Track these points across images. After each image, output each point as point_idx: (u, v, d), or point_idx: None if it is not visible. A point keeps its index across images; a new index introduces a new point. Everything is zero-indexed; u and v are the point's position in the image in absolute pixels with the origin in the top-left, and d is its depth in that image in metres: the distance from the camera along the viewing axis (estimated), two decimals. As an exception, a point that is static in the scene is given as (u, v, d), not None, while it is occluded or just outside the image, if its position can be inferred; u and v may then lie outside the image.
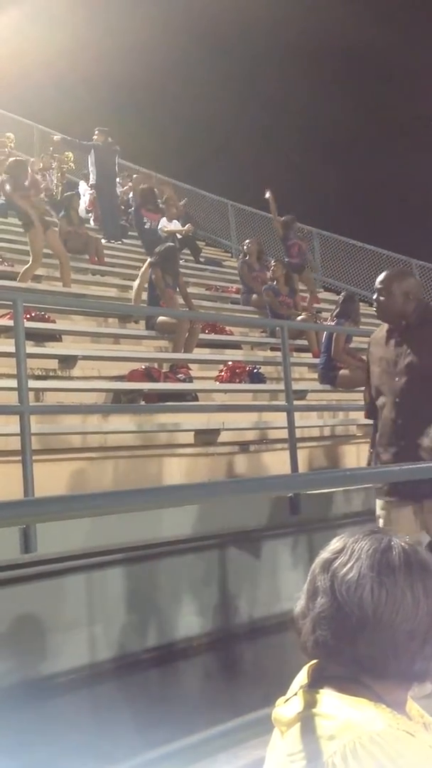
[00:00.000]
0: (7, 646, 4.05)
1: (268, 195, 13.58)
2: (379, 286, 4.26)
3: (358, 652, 1.41)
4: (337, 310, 9.32)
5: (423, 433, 3.93)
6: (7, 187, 10.24)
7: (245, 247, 12.66)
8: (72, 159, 17.34)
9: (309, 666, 1.51)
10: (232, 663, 4.85)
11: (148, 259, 10.18)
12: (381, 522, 4.26)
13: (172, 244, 10.82)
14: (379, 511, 4.27)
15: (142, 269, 10.10)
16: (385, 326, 4.30)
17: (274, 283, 10.96)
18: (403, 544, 1.46)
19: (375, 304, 4.31)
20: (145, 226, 12.78)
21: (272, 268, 11.27)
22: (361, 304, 14.03)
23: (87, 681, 4.21)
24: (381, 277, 4.31)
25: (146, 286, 9.44)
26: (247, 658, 5.00)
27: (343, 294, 10.12)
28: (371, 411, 4.51)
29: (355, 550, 1.45)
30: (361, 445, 8.04)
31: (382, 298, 4.22)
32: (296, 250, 13.22)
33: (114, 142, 14.36)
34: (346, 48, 22.57)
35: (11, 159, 11.22)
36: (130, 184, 16.84)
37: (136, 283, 9.97)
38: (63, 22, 21.80)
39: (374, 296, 4.32)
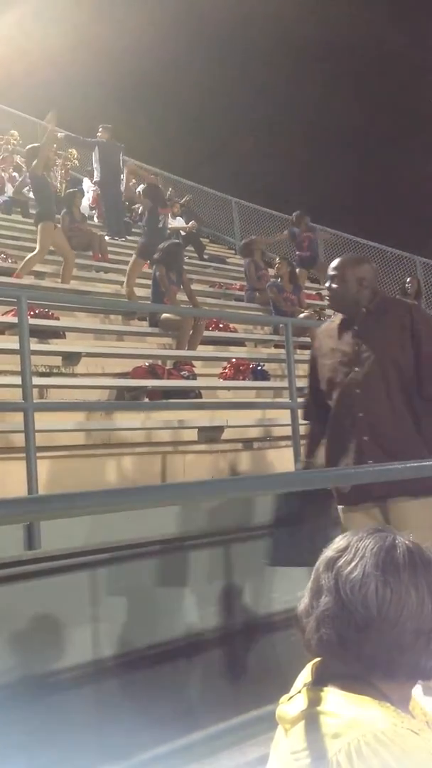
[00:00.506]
0: (11, 643, 4.05)
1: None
2: (332, 273, 4.03)
3: (363, 650, 1.40)
4: None
5: (387, 427, 3.80)
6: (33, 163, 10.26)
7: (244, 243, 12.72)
8: (76, 157, 17.35)
9: (313, 663, 1.51)
10: (237, 660, 4.85)
11: (134, 255, 10.22)
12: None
13: (176, 241, 10.81)
14: (342, 521, 3.98)
15: (130, 265, 10.14)
16: (338, 318, 4.08)
17: (278, 280, 10.95)
18: (407, 542, 1.46)
19: (327, 292, 4.11)
20: (159, 225, 12.76)
21: (277, 265, 11.27)
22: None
23: (91, 678, 4.22)
24: (334, 263, 4.08)
25: (151, 283, 9.46)
26: (251, 656, 5.00)
27: None
28: (310, 411, 4.24)
29: (359, 549, 1.44)
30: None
31: (335, 285, 4.00)
32: (307, 243, 13.25)
33: (118, 140, 14.37)
34: (351, 43, 22.53)
35: (28, 146, 11.25)
36: (134, 180, 16.84)
37: (125, 286, 10.03)
38: (66, 20, 21.78)
39: (326, 284, 4.10)
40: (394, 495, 3.70)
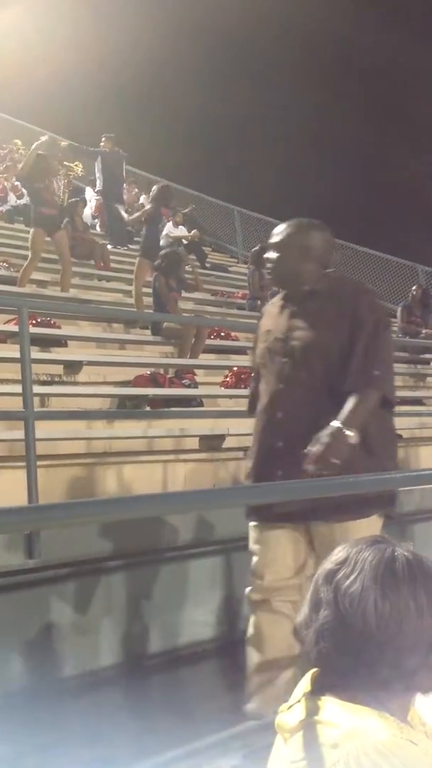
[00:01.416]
0: (12, 652, 4.05)
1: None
2: (272, 240, 3.41)
3: (362, 663, 1.40)
4: None
5: (308, 434, 3.11)
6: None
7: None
8: (81, 169, 17.42)
9: (312, 673, 1.51)
10: (237, 669, 4.84)
11: (138, 258, 10.23)
12: (254, 557, 3.36)
13: (175, 248, 10.83)
14: (251, 542, 3.39)
15: (136, 268, 10.16)
16: (282, 294, 3.50)
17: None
18: (407, 554, 1.45)
19: (267, 264, 3.47)
20: (159, 225, 12.77)
21: None
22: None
23: (92, 686, 4.21)
24: (277, 228, 3.44)
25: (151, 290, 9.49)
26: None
27: None
28: (252, 405, 3.56)
29: (358, 561, 1.44)
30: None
31: (274, 254, 3.37)
32: None
33: (121, 149, 14.42)
34: (352, 50, 22.60)
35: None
36: (137, 190, 16.90)
37: (134, 288, 10.04)
38: (66, 28, 21.87)
39: (266, 255, 3.50)
40: (316, 518, 3.20)
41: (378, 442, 3.28)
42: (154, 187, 12.78)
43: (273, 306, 3.54)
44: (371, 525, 3.21)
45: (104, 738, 3.44)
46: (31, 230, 10.03)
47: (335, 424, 3.09)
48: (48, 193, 10.24)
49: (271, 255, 3.39)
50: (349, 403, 3.14)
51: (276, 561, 3.31)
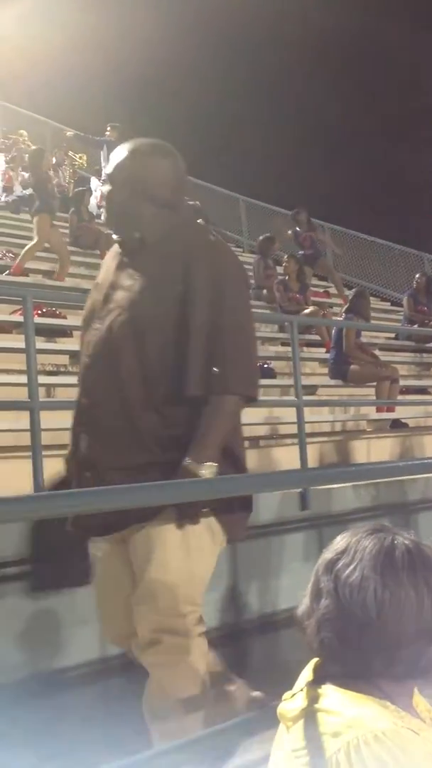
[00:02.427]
0: (18, 641, 4.06)
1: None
2: (107, 171, 2.70)
3: (363, 652, 1.40)
4: (347, 305, 9.34)
5: (113, 435, 2.49)
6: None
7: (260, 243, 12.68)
8: (85, 160, 17.42)
9: (314, 662, 1.52)
10: (241, 658, 4.85)
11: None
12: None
13: None
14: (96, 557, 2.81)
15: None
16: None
17: (286, 278, 10.93)
18: (406, 542, 1.46)
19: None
20: None
21: (284, 263, 11.25)
22: (372, 299, 14.02)
23: (98, 675, 4.22)
24: (114, 152, 2.68)
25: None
26: (255, 653, 5.00)
27: (354, 289, 10.10)
28: None
29: (357, 551, 1.44)
30: (371, 441, 8.04)
31: (106, 188, 2.65)
32: (309, 242, 13.25)
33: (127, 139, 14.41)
34: (358, 39, 22.49)
35: (33, 147, 11.40)
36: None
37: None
38: (71, 19, 21.81)
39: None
40: (129, 523, 2.51)
41: (237, 442, 2.67)
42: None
43: (110, 254, 2.74)
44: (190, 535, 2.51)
45: (107, 726, 3.46)
46: (37, 217, 10.04)
47: (185, 461, 2.42)
48: (51, 184, 10.28)
49: (105, 189, 2.69)
50: (201, 426, 2.44)
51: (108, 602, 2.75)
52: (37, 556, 3.92)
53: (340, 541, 1.48)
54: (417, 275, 12.88)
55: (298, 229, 13.17)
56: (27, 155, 10.83)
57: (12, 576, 4.12)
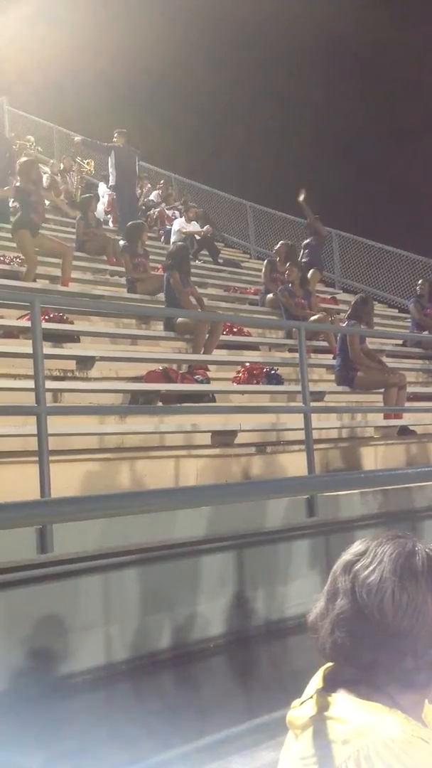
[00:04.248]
0: (24, 646, 4.06)
1: (302, 198, 13.51)
2: None
3: (376, 655, 1.39)
4: (349, 311, 9.35)
5: None
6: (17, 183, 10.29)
7: (276, 248, 12.71)
8: (93, 166, 17.48)
9: (324, 669, 1.51)
10: (248, 665, 4.84)
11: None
12: None
13: (181, 243, 10.85)
14: None
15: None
16: None
17: (290, 285, 10.94)
18: (427, 549, 1.45)
19: None
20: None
21: (287, 271, 11.25)
22: (377, 305, 14.01)
23: (103, 681, 4.22)
24: None
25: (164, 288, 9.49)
26: (263, 660, 4.99)
27: (357, 296, 10.09)
28: None
29: (377, 554, 1.44)
30: (379, 448, 8.02)
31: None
32: (308, 249, 13.32)
33: (134, 145, 14.45)
34: (368, 44, 22.51)
35: (21, 160, 11.30)
36: (149, 185, 16.92)
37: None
38: (76, 23, 21.88)
39: None
40: None
41: None
42: (152, 196, 12.66)
43: None
44: None
45: (115, 732, 3.45)
46: (16, 235, 9.94)
47: None
48: (37, 200, 10.15)
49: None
50: None
51: None
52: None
53: (359, 545, 1.48)
54: (420, 281, 12.91)
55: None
56: (17, 164, 10.68)
57: (20, 580, 4.11)
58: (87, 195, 13.86)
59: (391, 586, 1.39)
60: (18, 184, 10.27)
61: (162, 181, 17.63)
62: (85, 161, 17.49)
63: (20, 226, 9.81)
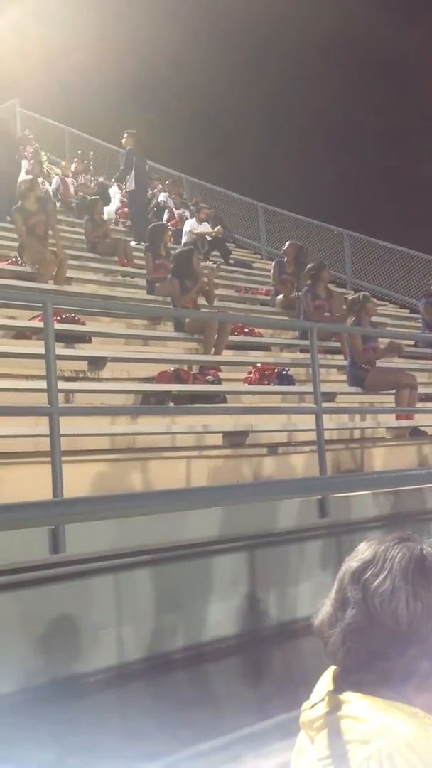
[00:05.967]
0: (36, 646, 4.07)
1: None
2: None
3: (392, 663, 1.38)
4: (346, 309, 9.30)
5: None
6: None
7: (284, 248, 12.66)
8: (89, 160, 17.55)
9: (333, 670, 1.50)
10: (260, 665, 4.84)
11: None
12: None
13: (185, 248, 10.81)
14: None
15: None
16: None
17: (309, 283, 10.77)
18: None
19: None
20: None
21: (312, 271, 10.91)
22: (389, 306, 13.94)
23: (115, 682, 4.23)
24: None
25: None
26: (275, 661, 4.98)
27: (358, 293, 9.98)
28: None
29: (386, 560, 1.41)
30: (391, 448, 8.00)
31: None
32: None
33: (143, 145, 14.48)
34: (368, 42, 22.47)
35: (24, 178, 11.29)
36: (160, 186, 16.95)
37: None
38: (89, 26, 21.91)
39: None
40: None
41: None
42: (162, 197, 12.52)
43: None
44: None
45: (127, 733, 3.45)
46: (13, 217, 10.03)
47: None
48: (36, 223, 10.09)
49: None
50: None
51: None
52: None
53: (365, 550, 1.46)
54: (431, 281, 12.91)
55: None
56: (21, 184, 10.57)
57: (33, 581, 4.12)
58: (93, 197, 13.88)
59: (405, 595, 1.38)
60: (19, 204, 10.19)
61: (167, 181, 17.62)
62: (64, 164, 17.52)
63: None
